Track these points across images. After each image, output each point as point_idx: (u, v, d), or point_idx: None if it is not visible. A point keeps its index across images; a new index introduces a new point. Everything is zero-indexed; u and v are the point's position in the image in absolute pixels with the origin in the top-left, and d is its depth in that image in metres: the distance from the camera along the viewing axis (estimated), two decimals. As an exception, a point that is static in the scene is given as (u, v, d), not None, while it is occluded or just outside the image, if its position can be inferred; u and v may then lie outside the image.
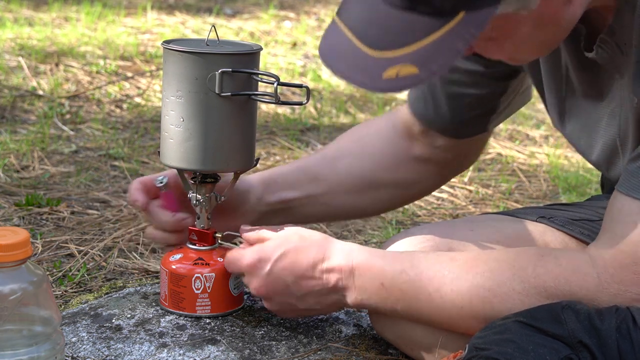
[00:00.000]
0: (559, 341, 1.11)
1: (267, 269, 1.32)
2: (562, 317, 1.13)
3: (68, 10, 4.34)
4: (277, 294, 1.34)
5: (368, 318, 1.55)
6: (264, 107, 3.09)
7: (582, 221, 1.43)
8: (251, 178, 1.56)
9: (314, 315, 1.44)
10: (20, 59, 3.33)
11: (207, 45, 1.43)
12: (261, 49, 1.44)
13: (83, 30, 3.92)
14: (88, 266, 1.81)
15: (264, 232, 1.37)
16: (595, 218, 1.43)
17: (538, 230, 1.42)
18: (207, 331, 1.45)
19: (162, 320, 1.48)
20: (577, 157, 2.79)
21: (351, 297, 1.32)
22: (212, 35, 1.44)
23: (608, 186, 1.53)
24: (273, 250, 1.33)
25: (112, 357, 1.40)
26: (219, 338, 1.44)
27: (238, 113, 1.42)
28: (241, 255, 1.36)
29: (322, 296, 1.32)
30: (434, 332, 1.33)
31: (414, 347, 1.38)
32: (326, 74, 3.58)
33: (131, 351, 1.41)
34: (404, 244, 1.39)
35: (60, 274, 1.77)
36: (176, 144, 1.42)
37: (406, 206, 2.29)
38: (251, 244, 1.39)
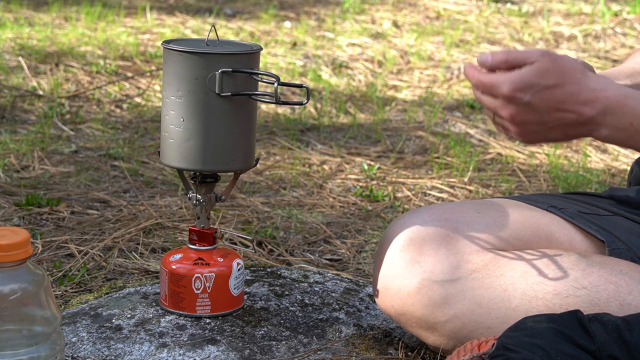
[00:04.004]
0: (588, 354, 1.10)
1: (526, 99, 1.31)
2: (590, 330, 1.12)
3: (68, 10, 4.34)
4: (529, 123, 1.33)
5: (368, 318, 1.55)
6: (264, 107, 3.09)
7: (591, 215, 1.43)
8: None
9: (556, 143, 1.42)
10: (20, 59, 3.33)
11: (207, 45, 1.43)
12: (261, 49, 1.44)
13: (83, 30, 3.92)
14: (88, 266, 1.81)
15: (517, 55, 1.34)
16: (604, 213, 1.44)
17: (546, 219, 1.43)
18: (207, 331, 1.45)
19: (162, 320, 1.48)
20: (577, 157, 2.79)
21: (600, 132, 1.32)
22: (212, 35, 1.44)
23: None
24: (534, 80, 1.31)
25: (112, 357, 1.40)
26: (219, 338, 1.44)
27: (238, 113, 1.42)
28: (501, 83, 1.33)
29: (572, 128, 1.33)
30: (434, 311, 1.34)
31: (414, 325, 1.38)
32: (326, 74, 3.58)
33: (131, 351, 1.41)
34: (413, 225, 1.40)
35: (60, 274, 1.77)
36: (176, 144, 1.42)
37: (405, 206, 2.29)
38: (503, 65, 1.34)
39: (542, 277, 1.33)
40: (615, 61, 4.00)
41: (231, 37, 4.03)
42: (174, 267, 1.48)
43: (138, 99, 3.10)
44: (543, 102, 1.31)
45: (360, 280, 1.73)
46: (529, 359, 1.09)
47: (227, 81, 1.39)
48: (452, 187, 2.45)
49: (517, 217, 1.42)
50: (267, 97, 1.42)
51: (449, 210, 1.43)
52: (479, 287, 1.35)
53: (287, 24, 4.39)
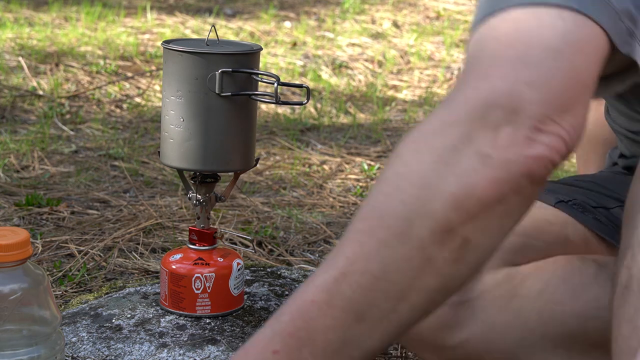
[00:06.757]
0: None
1: None
2: None
3: (68, 10, 4.34)
4: None
5: (368, 318, 1.55)
6: (264, 107, 3.09)
7: (599, 209, 1.37)
8: None
9: None
10: (20, 59, 3.33)
11: (207, 45, 1.43)
12: (261, 49, 1.44)
13: (83, 30, 3.92)
14: (88, 266, 1.81)
15: None
16: (612, 205, 1.37)
17: (559, 220, 1.35)
18: (207, 331, 1.46)
19: (162, 320, 1.48)
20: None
21: None
22: (212, 35, 1.44)
23: None
24: None
25: (112, 357, 1.40)
26: (219, 338, 1.44)
27: (238, 113, 1.42)
28: None
29: None
30: (444, 335, 1.31)
31: (423, 349, 1.34)
32: (326, 74, 3.58)
33: (131, 351, 1.41)
34: None
35: (60, 274, 1.77)
36: (176, 144, 1.42)
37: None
38: None
39: (558, 296, 1.26)
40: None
41: (231, 37, 4.03)
42: (174, 267, 1.48)
43: (138, 99, 3.10)
44: None
45: (360, 280, 1.73)
46: None
47: (227, 81, 1.39)
48: (452, 187, 2.44)
49: (528, 222, 1.36)
50: (267, 97, 1.42)
51: None
52: (491, 308, 1.28)
53: (287, 24, 4.39)
